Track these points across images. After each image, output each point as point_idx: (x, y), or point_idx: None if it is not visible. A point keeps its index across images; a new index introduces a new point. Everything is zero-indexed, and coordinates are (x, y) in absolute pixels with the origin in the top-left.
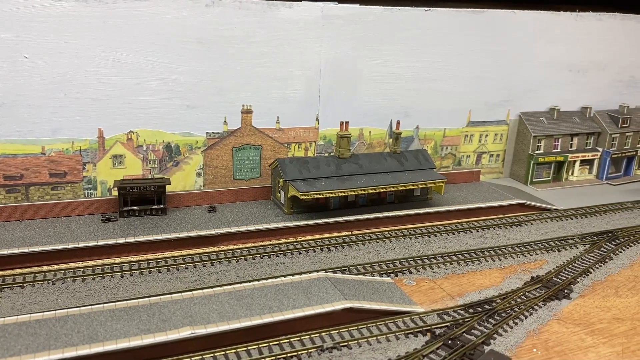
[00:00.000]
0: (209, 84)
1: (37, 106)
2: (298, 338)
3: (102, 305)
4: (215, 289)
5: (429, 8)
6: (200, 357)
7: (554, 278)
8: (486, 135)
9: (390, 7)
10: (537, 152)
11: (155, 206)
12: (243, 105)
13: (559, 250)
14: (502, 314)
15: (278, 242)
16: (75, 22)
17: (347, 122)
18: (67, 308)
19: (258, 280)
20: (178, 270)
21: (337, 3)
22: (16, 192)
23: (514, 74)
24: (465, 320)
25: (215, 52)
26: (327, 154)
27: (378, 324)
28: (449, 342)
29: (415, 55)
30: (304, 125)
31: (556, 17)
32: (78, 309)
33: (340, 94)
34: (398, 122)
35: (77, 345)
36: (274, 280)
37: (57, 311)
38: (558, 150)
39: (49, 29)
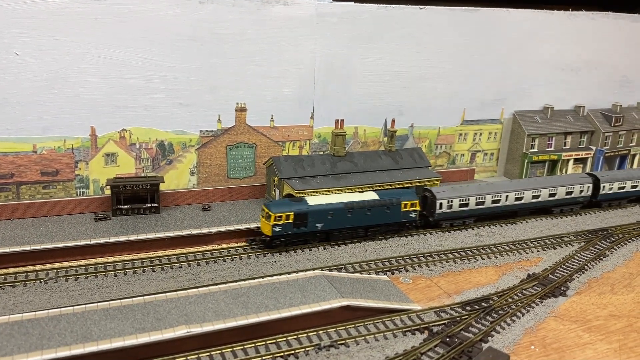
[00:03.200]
0: (202, 81)
1: (28, 104)
2: (295, 336)
3: (95, 304)
4: (210, 287)
5: (423, 6)
6: (196, 356)
7: (550, 275)
8: (480, 134)
9: (385, 5)
10: (531, 150)
11: (149, 205)
12: (237, 103)
13: (555, 248)
14: (499, 312)
15: None
16: (68, 19)
17: (342, 120)
18: (60, 307)
19: (254, 278)
20: (172, 269)
21: (331, 0)
22: (7, 190)
23: (508, 73)
24: (463, 317)
25: (208, 49)
26: (322, 152)
27: (375, 321)
28: (447, 339)
29: (409, 53)
30: (299, 124)
31: (550, 16)
32: (71, 308)
33: (334, 92)
34: (393, 121)
35: (70, 345)
36: (270, 278)
37: (50, 310)
38: (552, 148)
39: (40, 26)
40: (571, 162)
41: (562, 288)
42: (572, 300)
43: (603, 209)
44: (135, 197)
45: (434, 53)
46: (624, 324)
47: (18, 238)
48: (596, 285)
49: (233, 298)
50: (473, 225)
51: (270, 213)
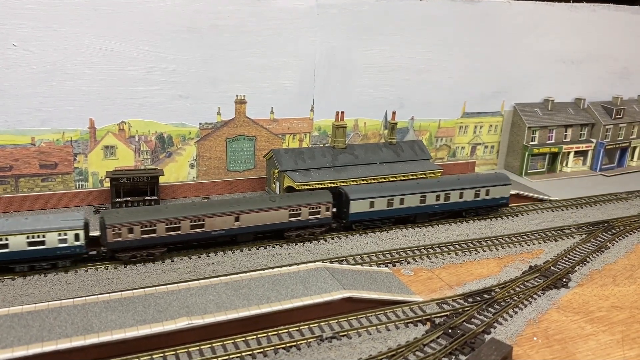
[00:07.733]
0: (202, 73)
1: (26, 96)
2: (297, 328)
3: (96, 296)
4: (211, 279)
5: None
6: (198, 348)
7: (552, 267)
8: (481, 127)
9: None
10: (531, 143)
11: (148, 197)
12: (237, 96)
13: (556, 240)
14: (502, 303)
15: None
16: (66, 10)
17: (342, 113)
18: (60, 300)
19: (255, 270)
20: (172, 261)
21: None
22: (5, 183)
23: (509, 65)
24: (465, 309)
25: (207, 41)
26: (322, 145)
27: (377, 313)
28: (449, 331)
29: (410, 45)
30: (299, 116)
31: (550, 8)
32: (71, 300)
33: (334, 84)
34: (393, 113)
35: (71, 337)
36: (271, 270)
37: (50, 303)
38: (552, 141)
39: (38, 17)
40: (572, 154)
41: (564, 280)
42: (574, 291)
43: (604, 201)
44: (135, 189)
45: (435, 45)
46: (626, 315)
47: None
48: (598, 277)
49: (234, 290)
50: (474, 218)
51: None
